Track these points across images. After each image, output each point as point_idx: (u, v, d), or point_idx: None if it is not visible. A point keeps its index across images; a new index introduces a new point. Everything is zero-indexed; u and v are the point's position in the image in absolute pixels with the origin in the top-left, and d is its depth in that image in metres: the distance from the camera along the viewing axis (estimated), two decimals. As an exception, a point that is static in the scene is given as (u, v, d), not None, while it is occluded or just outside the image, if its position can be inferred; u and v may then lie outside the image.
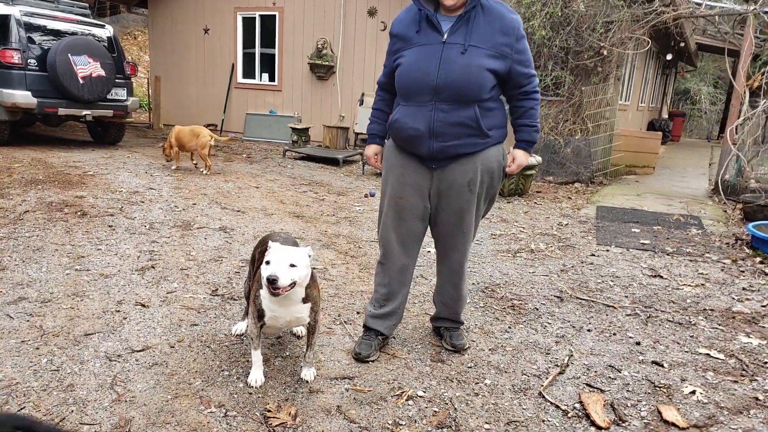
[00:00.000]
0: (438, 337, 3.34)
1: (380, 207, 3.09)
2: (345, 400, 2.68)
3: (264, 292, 2.58)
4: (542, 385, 2.90)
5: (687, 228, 6.56)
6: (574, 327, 3.63)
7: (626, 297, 4.21)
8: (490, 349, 3.26)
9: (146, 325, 3.24)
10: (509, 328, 3.57)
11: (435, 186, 2.93)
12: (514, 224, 6.30)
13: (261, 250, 2.95)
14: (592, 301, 4.08)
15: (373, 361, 3.03)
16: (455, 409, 2.67)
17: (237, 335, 3.20)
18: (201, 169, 7.90)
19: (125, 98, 9.35)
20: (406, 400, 2.71)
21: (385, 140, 3.14)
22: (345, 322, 3.48)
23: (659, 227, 6.53)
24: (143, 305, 3.48)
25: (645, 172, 10.19)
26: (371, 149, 3.14)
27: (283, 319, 2.63)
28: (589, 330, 3.60)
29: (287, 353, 3.07)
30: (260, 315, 2.64)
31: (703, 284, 4.59)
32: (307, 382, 2.79)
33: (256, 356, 2.74)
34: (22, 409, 2.43)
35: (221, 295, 3.74)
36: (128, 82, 9.47)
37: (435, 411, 2.64)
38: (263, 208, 6.17)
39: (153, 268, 4.10)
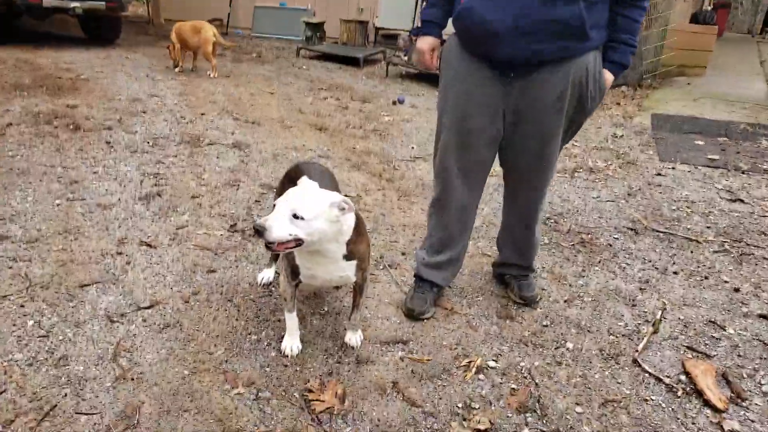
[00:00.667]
0: (502, 285, 2.79)
1: (437, 129, 2.43)
2: (401, 374, 2.17)
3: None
4: (636, 350, 2.38)
5: (757, 139, 5.82)
6: (657, 268, 3.06)
7: (708, 228, 3.61)
8: (565, 301, 2.72)
9: (154, 272, 2.70)
10: (583, 271, 3.00)
11: (512, 103, 2.25)
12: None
13: (291, 182, 2.34)
14: (671, 234, 3.48)
15: (428, 319, 2.51)
16: (537, 384, 2.16)
17: (263, 285, 2.67)
18: (208, 72, 7.12)
19: (119, -11, 8.36)
20: (475, 373, 2.20)
21: (442, 35, 2.41)
22: (389, 265, 2.93)
23: (725, 138, 5.79)
24: (149, 245, 2.93)
25: (696, 73, 9.22)
26: (426, 42, 2.40)
27: (321, 277, 2.07)
28: (675, 273, 3.03)
29: (326, 308, 2.54)
30: (294, 272, 2.07)
31: (792, 210, 3.95)
32: (352, 348, 2.28)
33: (291, 320, 2.21)
34: (2, 392, 1.94)
35: (241, 231, 3.18)
36: (122, -30, 8.43)
37: (513, 388, 2.14)
38: (280, 118, 5.47)
39: (159, 195, 3.52)
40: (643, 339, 2.45)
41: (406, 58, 8.27)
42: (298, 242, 1.80)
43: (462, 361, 2.26)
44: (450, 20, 2.31)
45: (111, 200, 3.39)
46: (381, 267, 2.91)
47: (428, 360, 2.25)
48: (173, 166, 4.01)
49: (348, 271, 2.06)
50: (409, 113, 6.11)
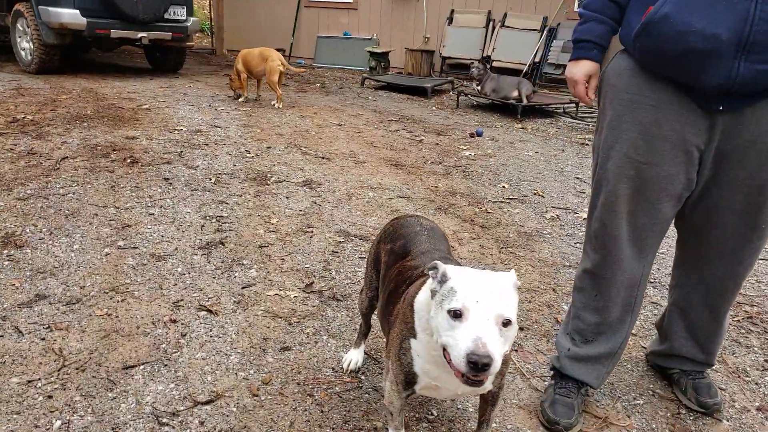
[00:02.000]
0: (666, 382, 2.10)
1: (596, 178, 1.79)
2: None
3: (418, 346, 1.39)
4: None
5: None
6: None
7: None
8: (758, 409, 2.00)
9: (215, 349, 2.14)
10: (766, 361, 2.27)
11: (716, 144, 1.61)
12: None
13: (390, 246, 1.76)
14: None
15: (576, 434, 1.84)
16: None
17: (351, 372, 2.07)
18: (272, 102, 6.73)
19: (185, 18, 8.17)
20: None
21: (606, 54, 1.80)
22: (513, 349, 2.27)
23: None
24: (209, 310, 2.39)
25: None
26: (582, 68, 1.79)
27: (448, 389, 1.44)
28: None
29: (434, 413, 1.91)
30: (409, 380, 1.46)
31: None
32: None
33: None
34: None
35: (318, 292, 2.60)
36: (188, 0, 8.25)
37: None
38: (352, 153, 4.95)
39: (222, 244, 3.00)
40: None
41: (479, 88, 7.70)
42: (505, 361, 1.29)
43: None
44: (622, 37, 1.71)
45: (167, 249, 2.89)
46: (498, 349, 2.25)
47: (592, 506, 1.58)
48: (238, 207, 3.51)
49: (489, 379, 1.43)
50: (491, 147, 5.49)
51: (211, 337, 2.22)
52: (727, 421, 1.93)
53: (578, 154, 5.45)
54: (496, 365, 1.14)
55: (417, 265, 1.59)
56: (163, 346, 2.14)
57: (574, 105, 7.57)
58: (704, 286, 1.85)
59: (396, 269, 1.65)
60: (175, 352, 2.11)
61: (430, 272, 1.32)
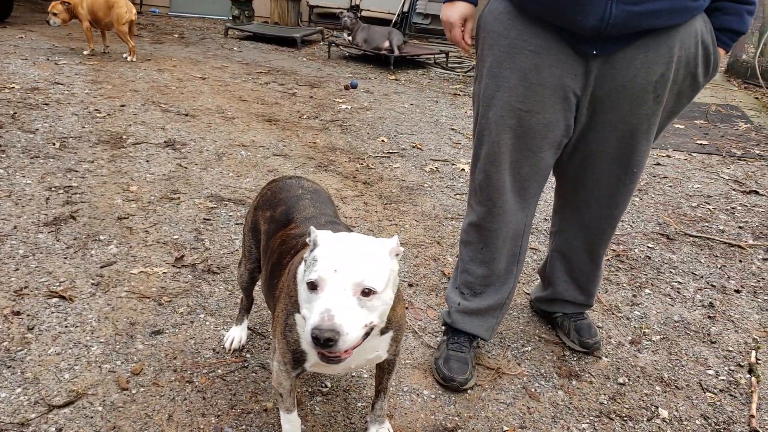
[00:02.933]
0: (550, 326, 2.16)
1: (478, 129, 1.73)
2: (459, 489, 1.49)
3: (301, 321, 1.26)
4: (752, 414, 1.80)
5: (733, 122, 5.52)
6: (714, 286, 2.53)
7: (741, 229, 3.13)
8: (630, 342, 2.12)
9: (72, 341, 1.87)
10: (634, 296, 2.42)
11: (591, 89, 1.60)
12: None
13: (270, 214, 1.61)
14: (708, 238, 2.97)
15: (472, 388, 1.83)
16: (647, 486, 1.54)
17: (234, 351, 1.90)
18: (124, 55, 6.07)
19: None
20: (560, 473, 1.55)
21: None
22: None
23: (702, 121, 5.45)
24: (62, 297, 2.08)
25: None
26: (456, 10, 1.69)
27: (342, 364, 1.33)
28: (737, 291, 2.51)
29: (328, 385, 1.81)
30: (297, 359, 1.33)
31: (813, 202, 3.56)
32: None
33: (290, 424, 1.46)
34: None
35: (191, 266, 2.37)
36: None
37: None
38: (219, 108, 4.60)
39: (73, 218, 2.63)
40: (751, 394, 1.88)
41: (350, 38, 7.49)
42: (367, 335, 1.12)
43: (537, 456, 1.60)
44: None
45: (3, 228, 2.48)
46: (388, 309, 2.19)
47: (492, 460, 1.58)
48: (90, 175, 3.10)
49: (381, 348, 1.34)
50: (367, 100, 5.37)
51: (66, 327, 1.93)
52: (606, 357, 2.03)
53: (451, 105, 5.50)
54: (347, 339, 1.03)
55: (301, 233, 1.44)
56: (5, 344, 1.83)
57: (444, 56, 7.62)
58: (583, 230, 1.89)
59: (278, 239, 1.49)
60: (21, 350, 1.81)
61: (308, 240, 1.18)
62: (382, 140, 4.19)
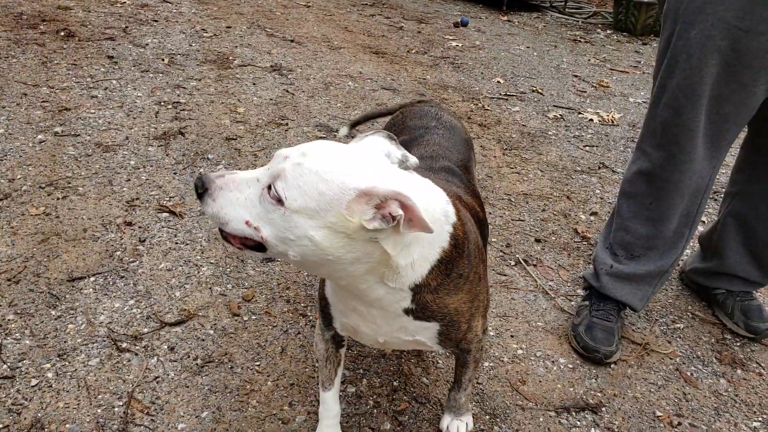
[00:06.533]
0: (705, 303, 1.87)
1: (671, 49, 1.41)
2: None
3: None
4: None
5: None
6: None
7: None
8: (804, 333, 1.79)
9: (182, 258, 1.76)
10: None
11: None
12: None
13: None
14: None
15: (616, 363, 1.59)
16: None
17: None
18: (230, -22, 5.92)
19: None
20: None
21: None
22: (524, 260, 1.98)
23: None
24: (172, 212, 1.98)
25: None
26: None
27: (368, 335, 1.04)
28: None
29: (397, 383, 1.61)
30: (326, 315, 1.10)
31: None
32: None
33: (325, 405, 1.22)
34: None
35: (301, 193, 2.21)
36: None
37: None
38: (325, 37, 4.39)
39: (182, 134, 2.53)
40: None
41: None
42: (257, 246, 0.86)
43: (700, 452, 1.35)
44: None
45: (116, 138, 2.41)
46: (513, 263, 1.96)
47: (647, 449, 1.35)
48: (197, 93, 3.00)
49: (422, 336, 1.02)
50: (478, 39, 5.01)
51: (176, 243, 1.83)
52: (773, 345, 1.72)
53: (572, 51, 5.04)
54: (212, 205, 0.84)
55: None
56: (118, 253, 1.74)
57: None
58: (773, 195, 1.56)
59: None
60: (133, 261, 1.72)
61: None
62: (498, 81, 3.86)
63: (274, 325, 1.56)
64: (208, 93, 3.01)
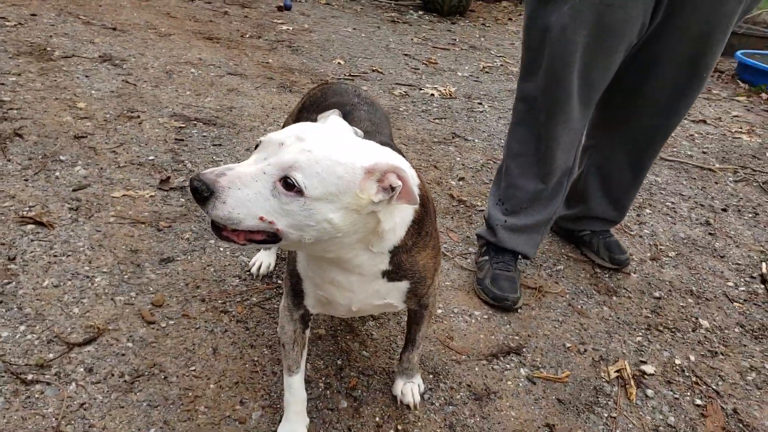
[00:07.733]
0: (573, 245, 2.13)
1: (542, 26, 1.57)
2: (547, 408, 1.42)
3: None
4: (776, 320, 1.88)
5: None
6: (703, 206, 2.62)
7: (704, 153, 3.27)
8: (651, 259, 2.14)
9: (68, 272, 1.56)
10: (638, 215, 2.45)
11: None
12: (490, 52, 4.97)
13: (316, 118, 1.39)
14: (680, 162, 3.07)
15: (521, 308, 1.76)
16: (717, 393, 1.56)
17: (263, 278, 1.69)
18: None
19: None
20: (636, 387, 1.53)
21: None
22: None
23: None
24: (39, 222, 1.74)
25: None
26: None
27: (343, 305, 1.08)
28: (723, 209, 2.61)
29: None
30: (296, 293, 1.12)
31: (752, 129, 3.80)
32: (408, 407, 1.36)
33: (291, 391, 1.20)
34: None
35: (180, 188, 2.07)
36: None
37: (697, 405, 1.51)
38: (149, 24, 4.06)
39: (19, 136, 2.21)
40: (771, 303, 1.96)
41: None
42: (272, 237, 0.85)
43: (606, 370, 1.56)
44: None
45: (-67, 147, 2.02)
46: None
47: (567, 377, 1.52)
48: (21, 89, 2.62)
49: (392, 297, 1.09)
50: (306, 22, 5.00)
51: (54, 257, 1.61)
52: (634, 273, 2.03)
53: (395, 31, 5.25)
54: (222, 208, 0.79)
55: None
56: (-16, 278, 1.49)
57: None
58: (630, 143, 1.82)
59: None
60: (9, 283, 1.49)
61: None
62: (339, 62, 3.92)
63: (197, 326, 1.47)
64: (35, 89, 2.64)
